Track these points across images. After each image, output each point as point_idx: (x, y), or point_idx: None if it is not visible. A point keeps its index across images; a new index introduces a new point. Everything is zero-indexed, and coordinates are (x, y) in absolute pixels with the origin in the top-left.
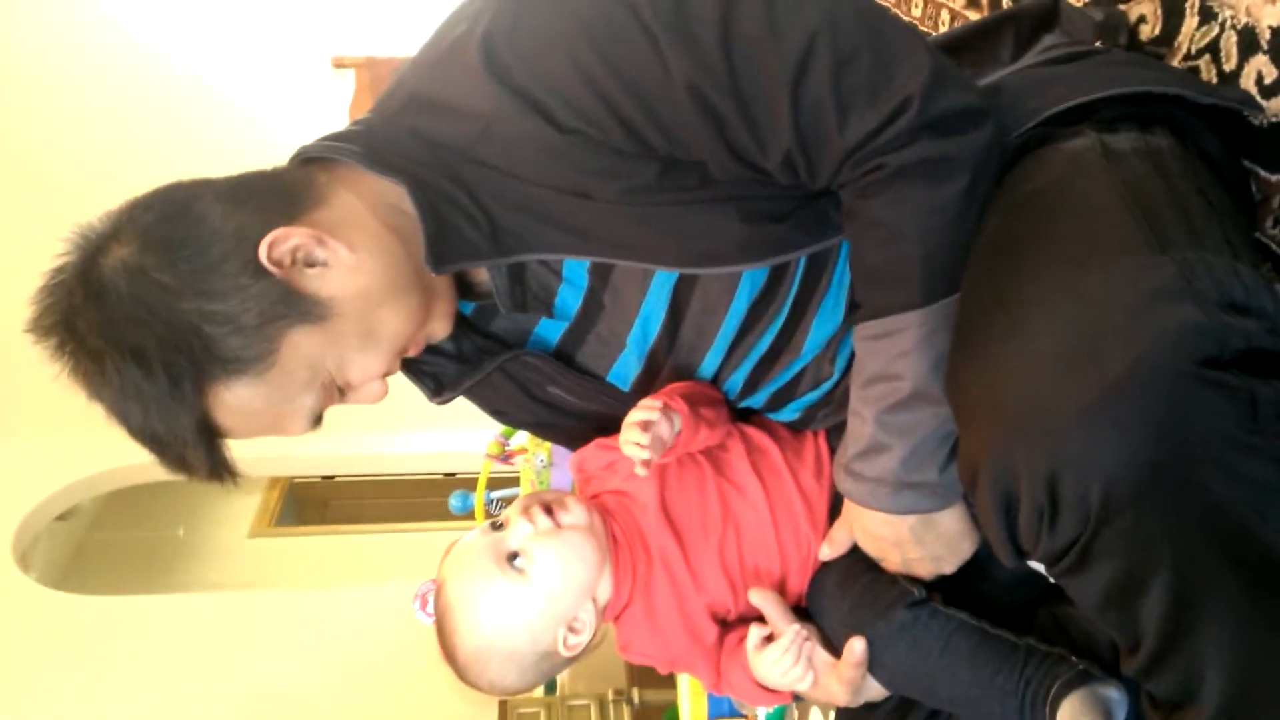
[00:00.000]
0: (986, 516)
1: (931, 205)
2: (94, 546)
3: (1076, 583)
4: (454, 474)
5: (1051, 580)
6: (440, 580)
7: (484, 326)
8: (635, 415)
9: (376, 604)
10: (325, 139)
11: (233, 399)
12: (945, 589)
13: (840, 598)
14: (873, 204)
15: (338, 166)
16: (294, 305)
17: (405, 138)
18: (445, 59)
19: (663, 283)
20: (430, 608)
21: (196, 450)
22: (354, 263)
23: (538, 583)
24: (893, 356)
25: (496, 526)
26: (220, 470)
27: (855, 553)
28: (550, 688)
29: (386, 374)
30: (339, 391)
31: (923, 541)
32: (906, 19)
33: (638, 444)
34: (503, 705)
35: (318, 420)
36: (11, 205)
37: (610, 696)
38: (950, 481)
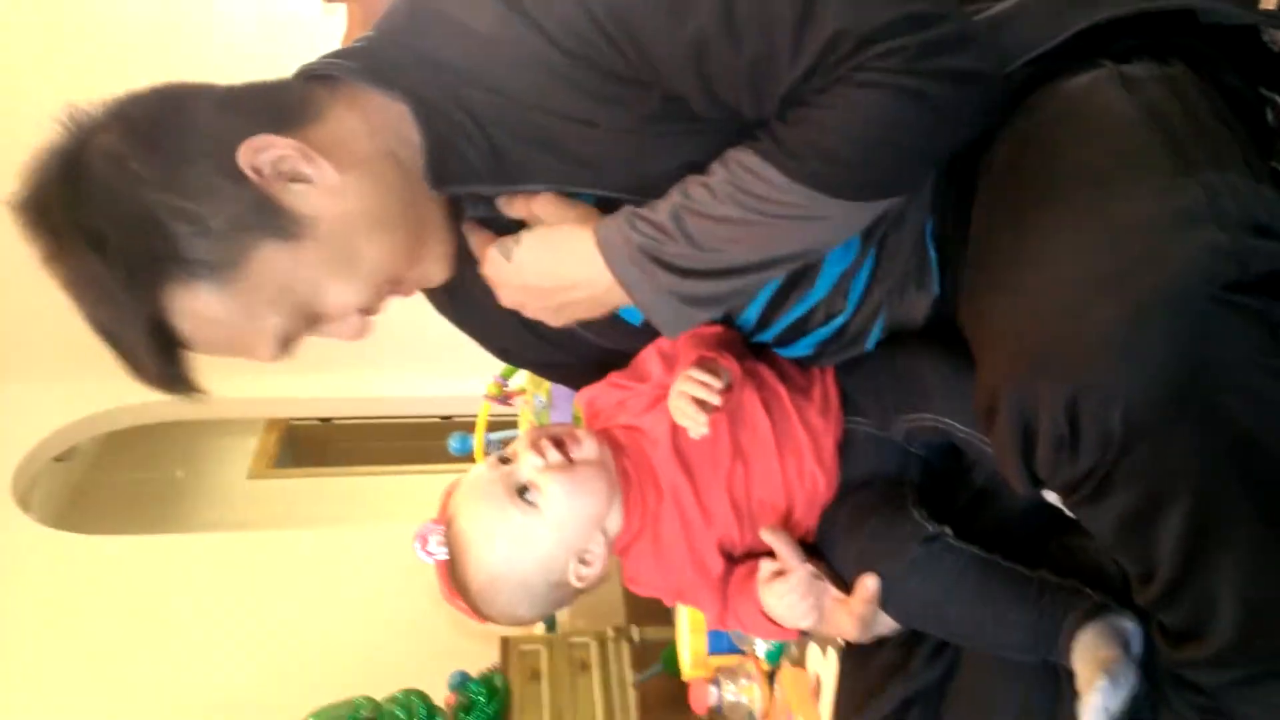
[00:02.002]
0: (1004, 445)
1: (874, 109)
2: (93, 487)
3: (1092, 511)
4: (451, 417)
5: (1065, 511)
6: (451, 513)
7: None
8: (690, 388)
9: (376, 544)
10: (328, 56)
11: (191, 304)
12: (956, 523)
13: (852, 534)
14: (833, 95)
15: (339, 84)
16: (267, 217)
17: (408, 58)
18: None
19: None
20: (431, 545)
21: (149, 351)
22: (339, 184)
23: (549, 515)
24: (738, 189)
25: (504, 460)
26: (174, 379)
27: (866, 490)
28: (551, 625)
29: (367, 310)
30: (313, 320)
31: (550, 296)
32: None
33: (694, 420)
34: (504, 642)
35: (286, 346)
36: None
37: (610, 634)
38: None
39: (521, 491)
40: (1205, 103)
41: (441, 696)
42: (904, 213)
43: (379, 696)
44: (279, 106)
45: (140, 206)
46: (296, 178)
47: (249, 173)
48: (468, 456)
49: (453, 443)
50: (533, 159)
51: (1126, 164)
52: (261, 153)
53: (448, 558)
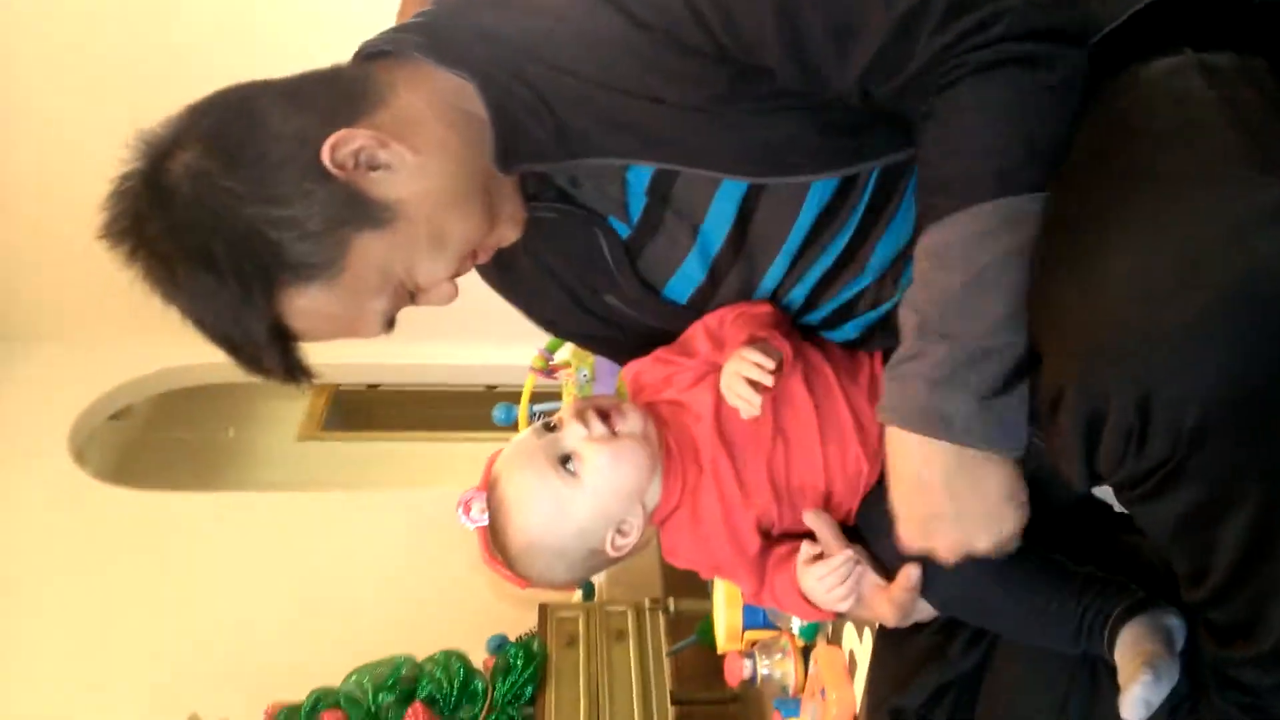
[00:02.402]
0: (1066, 437)
1: (1004, 101)
2: (147, 445)
3: (1151, 507)
4: (496, 387)
5: (1116, 508)
6: (495, 477)
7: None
8: (744, 368)
9: (421, 508)
10: (388, 32)
11: (305, 303)
12: None
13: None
14: (952, 94)
15: (400, 64)
16: (359, 209)
17: (470, 33)
18: None
19: (730, 192)
20: (474, 513)
21: (271, 353)
22: (417, 165)
23: (589, 486)
24: (935, 258)
25: (549, 427)
26: (295, 372)
27: None
28: (588, 594)
29: (456, 275)
30: (410, 295)
31: (955, 493)
32: None
33: (748, 401)
34: (542, 608)
35: (391, 322)
36: (68, 110)
37: (647, 605)
38: (998, 415)
39: (564, 460)
40: None
41: (480, 659)
42: None
43: (419, 657)
44: (345, 95)
45: (240, 221)
46: (377, 165)
47: (333, 170)
48: (511, 427)
49: (497, 413)
50: (596, 134)
51: (1208, 157)
52: (342, 148)
53: (489, 523)
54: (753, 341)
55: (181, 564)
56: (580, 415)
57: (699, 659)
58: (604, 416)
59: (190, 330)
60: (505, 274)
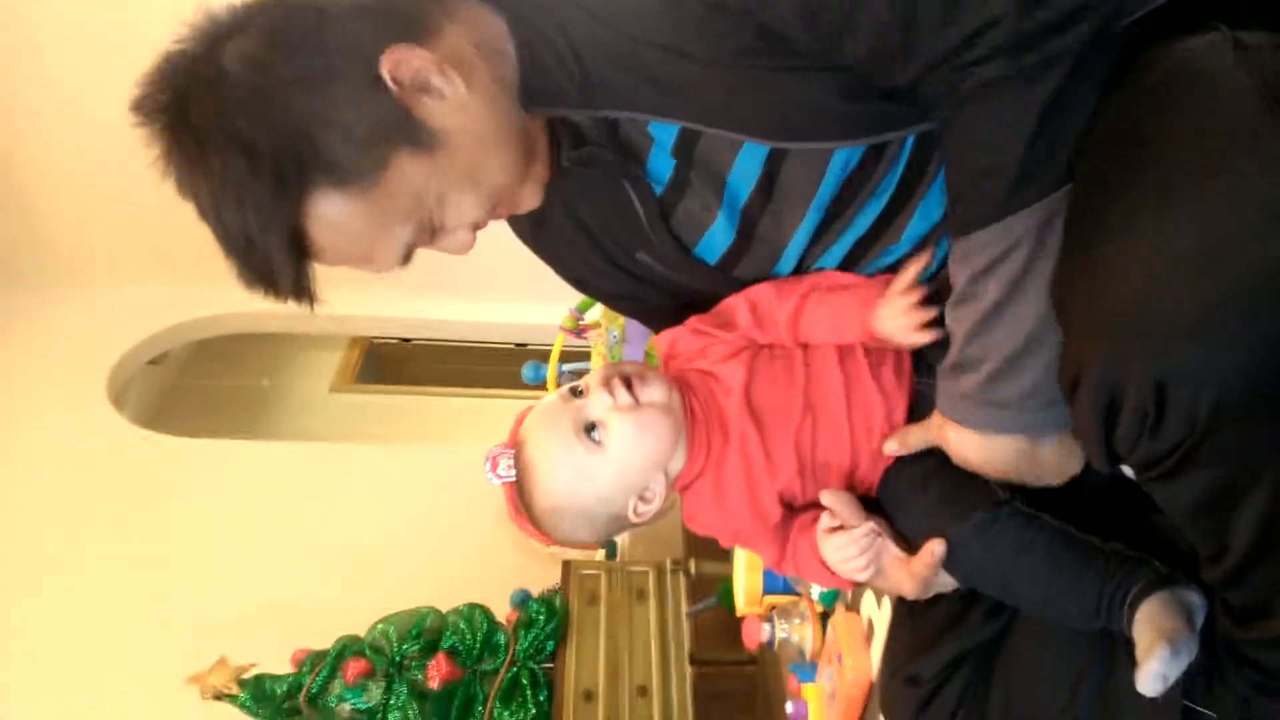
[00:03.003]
0: (1085, 419)
1: (1008, 116)
2: (183, 391)
3: (1169, 489)
4: (525, 345)
5: (1139, 484)
6: (521, 439)
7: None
8: (903, 301)
9: (448, 463)
10: None
11: (332, 212)
12: (1028, 490)
13: (917, 493)
14: (953, 119)
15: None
16: (406, 127)
17: None
18: None
19: (752, 153)
20: (501, 469)
21: (284, 262)
22: (468, 99)
23: (612, 455)
24: (974, 273)
25: (576, 392)
26: (302, 290)
27: (934, 453)
28: (611, 553)
29: (478, 225)
30: (434, 232)
31: (1023, 467)
32: None
33: (925, 332)
34: (565, 565)
35: (408, 256)
36: (98, 57)
37: (669, 565)
38: (1042, 400)
39: (589, 429)
40: None
41: (503, 613)
42: None
43: (444, 609)
44: (407, 17)
45: (289, 113)
46: (430, 90)
47: (390, 83)
48: (540, 385)
49: (526, 371)
50: (622, 84)
51: (1236, 138)
52: (402, 64)
53: (515, 480)
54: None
55: (214, 510)
56: (606, 383)
57: (718, 621)
58: (628, 384)
59: (228, 278)
60: (538, 230)
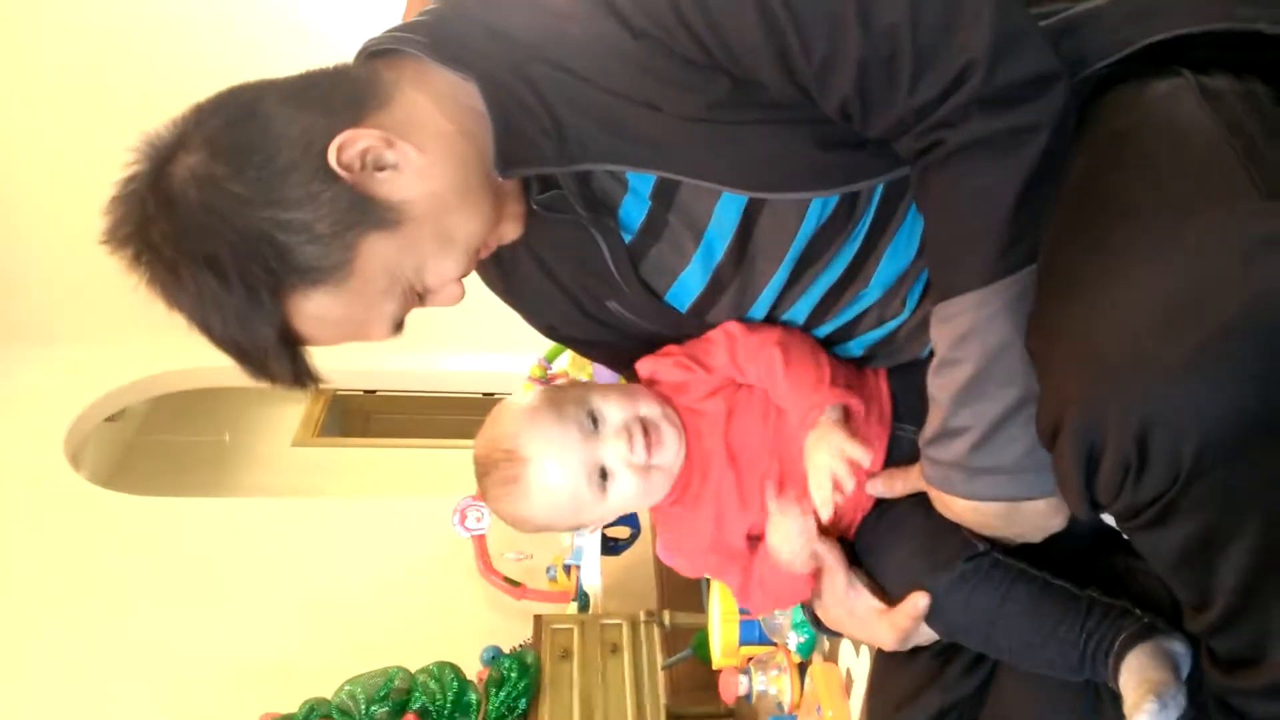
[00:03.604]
0: (1065, 467)
1: (990, 184)
2: (142, 448)
3: (1151, 538)
4: (493, 394)
5: (1121, 533)
6: (524, 449)
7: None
8: (838, 465)
9: (416, 516)
10: (392, 30)
11: (313, 308)
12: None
13: (895, 544)
14: (933, 181)
15: (404, 62)
16: (367, 211)
17: (475, 29)
18: None
19: (730, 202)
20: (470, 521)
21: (279, 359)
22: (424, 165)
23: (610, 503)
24: (955, 340)
25: (593, 419)
26: (303, 377)
27: (909, 501)
28: (584, 606)
29: (463, 276)
30: (419, 296)
31: (1009, 525)
32: None
33: (828, 502)
34: (537, 620)
35: (399, 325)
36: (66, 115)
37: (642, 618)
38: (1029, 465)
39: (601, 474)
40: None
41: (474, 670)
42: None
43: (413, 667)
44: (350, 94)
45: (248, 226)
46: (383, 165)
47: (340, 171)
48: None
49: None
50: (597, 139)
51: (1208, 184)
52: (348, 149)
53: (485, 531)
54: (854, 434)
55: (174, 570)
56: (629, 432)
57: (694, 673)
58: (646, 435)
59: (187, 334)
60: (509, 278)
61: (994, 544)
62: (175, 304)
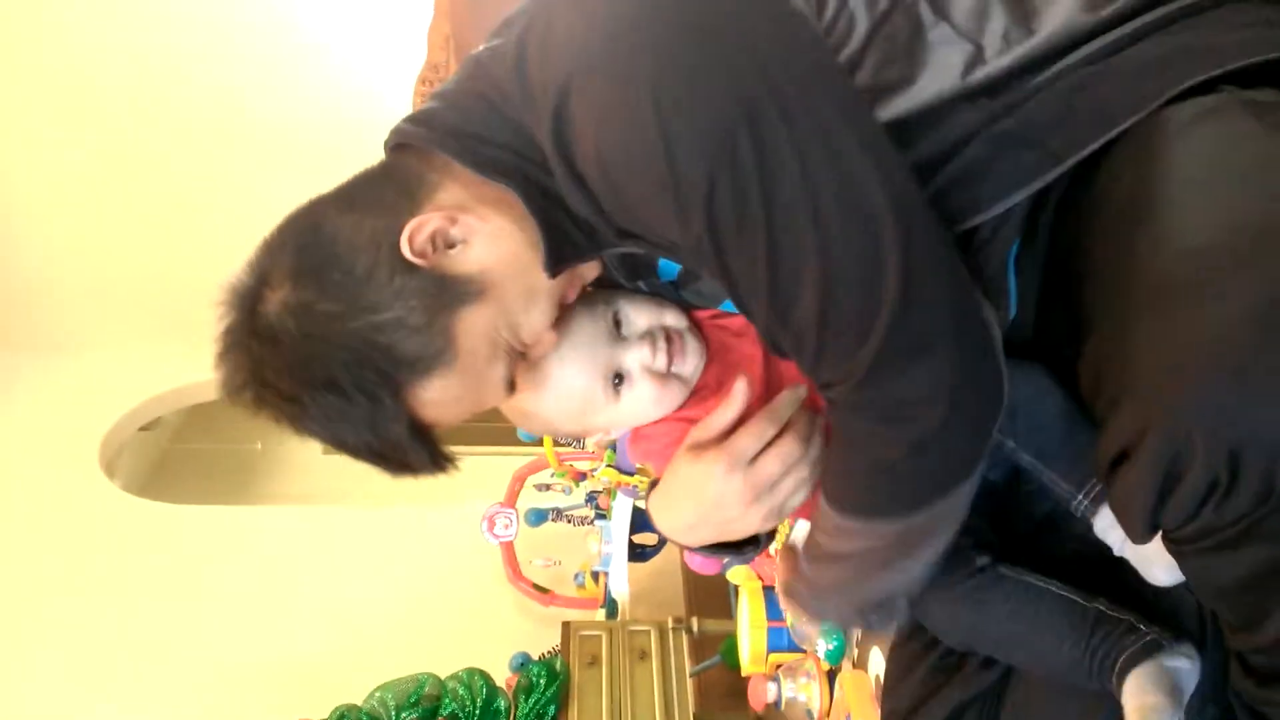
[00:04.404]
0: (1134, 488)
1: (865, 447)
2: (176, 456)
3: (1216, 560)
4: None
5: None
6: (551, 334)
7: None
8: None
9: (446, 523)
10: (419, 127)
11: (431, 394)
12: (1015, 545)
13: None
14: (838, 420)
15: (436, 158)
16: (451, 290)
17: (500, 125)
18: (528, 90)
19: None
20: (499, 528)
21: (415, 451)
22: (489, 231)
23: (621, 409)
24: (822, 528)
25: (618, 323)
26: (441, 462)
27: None
28: (611, 613)
29: (553, 324)
30: (522, 353)
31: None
32: None
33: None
34: (565, 626)
35: (512, 385)
36: (101, 125)
37: (670, 624)
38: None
39: (616, 377)
40: None
41: (503, 677)
42: (997, 229)
43: (442, 674)
44: (400, 188)
45: (349, 338)
46: (453, 243)
47: (416, 260)
48: (536, 441)
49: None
50: (617, 234)
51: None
52: (418, 236)
53: (513, 538)
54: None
55: (207, 578)
56: (651, 339)
57: (722, 679)
58: (669, 344)
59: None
60: None
61: (996, 557)
62: (306, 431)
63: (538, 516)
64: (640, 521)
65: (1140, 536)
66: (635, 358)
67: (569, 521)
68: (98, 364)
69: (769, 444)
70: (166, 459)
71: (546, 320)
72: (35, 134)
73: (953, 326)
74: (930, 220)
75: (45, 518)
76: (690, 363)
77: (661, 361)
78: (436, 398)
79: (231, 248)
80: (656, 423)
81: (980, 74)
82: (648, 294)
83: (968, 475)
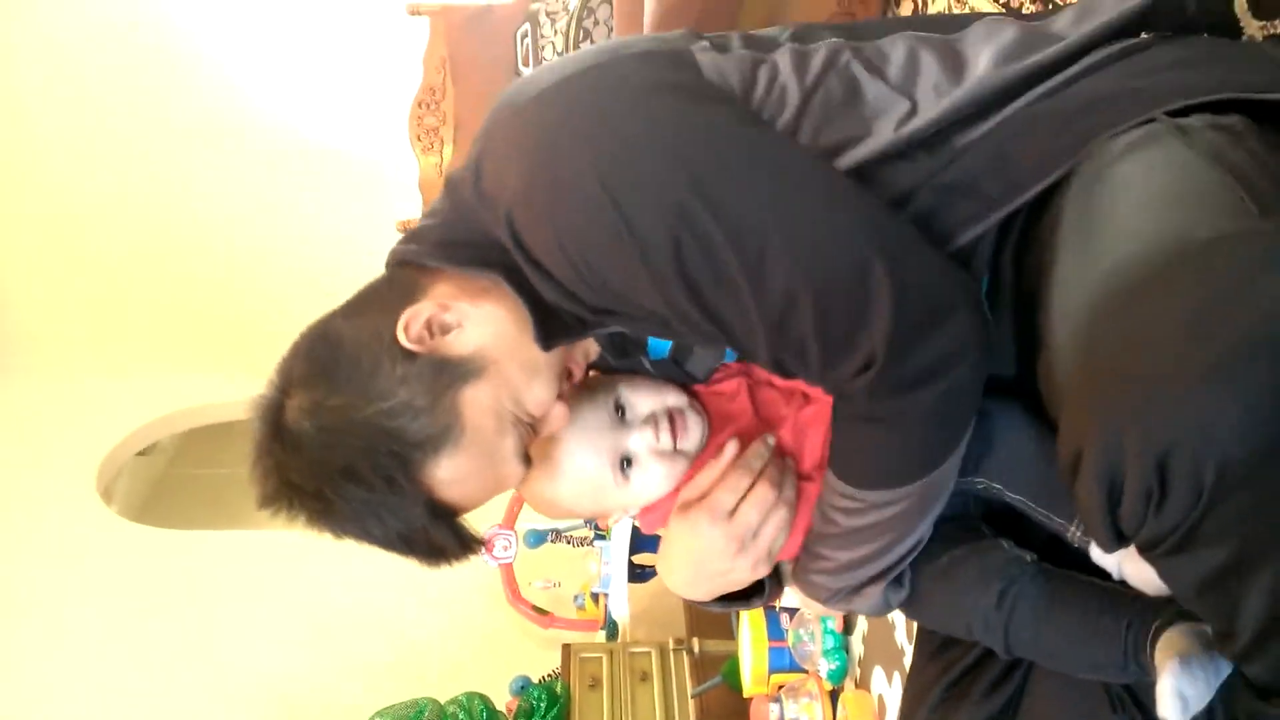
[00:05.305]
0: (1089, 502)
1: (877, 435)
2: (173, 482)
3: (1174, 565)
4: None
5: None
6: (556, 435)
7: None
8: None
9: None
10: (411, 245)
11: (445, 473)
12: (1045, 547)
13: (931, 554)
14: (838, 416)
15: (426, 266)
16: (451, 371)
17: (481, 237)
18: (486, 207)
19: None
20: (497, 550)
21: (439, 532)
22: (480, 314)
23: (632, 490)
24: (833, 506)
25: (620, 409)
26: (469, 544)
27: (950, 546)
28: (612, 634)
29: (560, 396)
30: (531, 425)
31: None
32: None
33: None
34: (566, 649)
35: (527, 458)
36: (96, 155)
37: (671, 645)
38: (851, 603)
39: (625, 461)
40: (1268, 150)
41: (503, 700)
42: (964, 265)
43: (442, 698)
44: (398, 290)
45: (360, 427)
46: (448, 328)
47: (414, 347)
48: None
49: None
50: (613, 316)
51: (1205, 208)
52: (413, 325)
53: (512, 560)
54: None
55: (204, 603)
56: (654, 422)
57: (725, 701)
58: (671, 424)
59: (217, 369)
60: None
61: (1037, 554)
62: (336, 529)
63: (537, 538)
64: (639, 542)
65: (1107, 546)
66: (640, 441)
67: (568, 542)
68: (95, 389)
69: (745, 494)
70: (164, 483)
71: (550, 392)
72: (36, 158)
73: (948, 285)
74: (889, 212)
75: (43, 544)
76: (694, 437)
77: (666, 441)
78: (450, 476)
79: (230, 276)
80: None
81: (913, 125)
82: (647, 375)
83: (979, 401)
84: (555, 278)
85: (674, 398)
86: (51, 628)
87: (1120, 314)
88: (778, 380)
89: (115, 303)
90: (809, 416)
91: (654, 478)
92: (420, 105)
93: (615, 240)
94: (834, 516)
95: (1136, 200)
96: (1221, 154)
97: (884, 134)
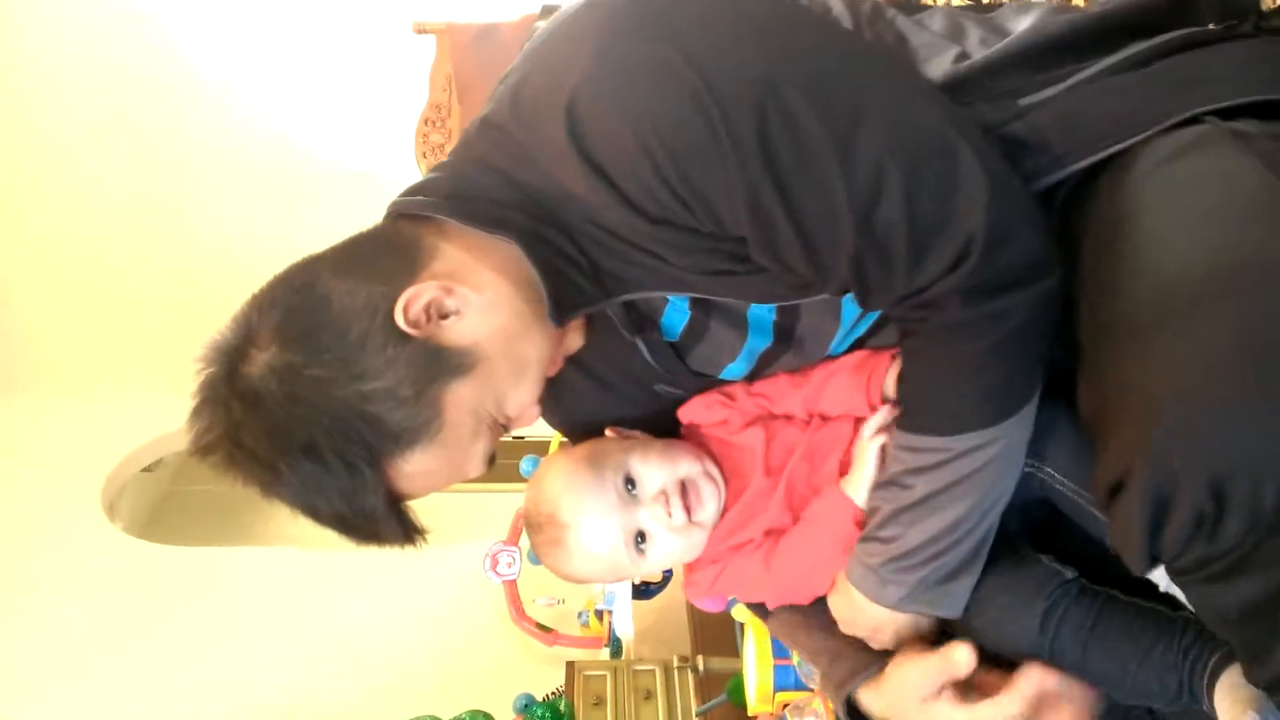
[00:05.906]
0: (1127, 521)
1: (964, 356)
2: (178, 498)
3: (1213, 590)
4: (523, 437)
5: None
6: (566, 518)
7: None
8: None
9: (448, 562)
10: (417, 195)
11: (411, 467)
12: (1089, 568)
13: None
14: (914, 343)
15: (436, 224)
16: (443, 362)
17: (499, 183)
18: (533, 115)
19: (764, 307)
20: (501, 567)
21: (388, 523)
22: (484, 303)
23: (649, 563)
24: (912, 469)
25: (630, 484)
26: (413, 535)
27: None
28: (616, 652)
29: (541, 398)
30: (503, 428)
31: (875, 631)
32: None
33: None
34: (569, 666)
35: (491, 459)
36: (102, 170)
37: (675, 663)
38: (924, 589)
39: (639, 537)
40: None
41: (506, 718)
42: None
43: (445, 716)
44: (398, 254)
45: (335, 405)
46: (447, 314)
47: (410, 330)
48: None
49: (525, 465)
50: (629, 275)
51: (1260, 219)
52: (413, 306)
53: (516, 576)
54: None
55: (208, 620)
56: (665, 498)
57: (729, 718)
58: (684, 496)
59: None
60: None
61: (1078, 572)
62: (276, 496)
63: None
64: None
65: (1140, 568)
66: (653, 519)
67: None
68: (100, 405)
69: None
70: (168, 500)
71: (533, 395)
72: (41, 177)
73: (1028, 194)
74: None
75: (47, 560)
76: (710, 508)
77: (680, 518)
78: (416, 470)
79: (236, 293)
80: (698, 561)
81: (967, 64)
82: (657, 446)
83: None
84: (613, 180)
85: (686, 465)
86: (56, 643)
87: (1172, 335)
88: (796, 414)
89: (120, 319)
90: (823, 436)
91: (670, 552)
92: (426, 123)
93: (696, 113)
94: (910, 482)
95: (1187, 214)
96: (1275, 159)
97: (940, 70)
